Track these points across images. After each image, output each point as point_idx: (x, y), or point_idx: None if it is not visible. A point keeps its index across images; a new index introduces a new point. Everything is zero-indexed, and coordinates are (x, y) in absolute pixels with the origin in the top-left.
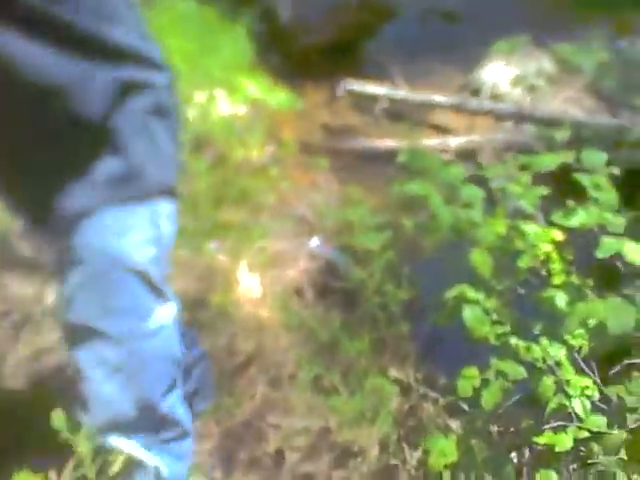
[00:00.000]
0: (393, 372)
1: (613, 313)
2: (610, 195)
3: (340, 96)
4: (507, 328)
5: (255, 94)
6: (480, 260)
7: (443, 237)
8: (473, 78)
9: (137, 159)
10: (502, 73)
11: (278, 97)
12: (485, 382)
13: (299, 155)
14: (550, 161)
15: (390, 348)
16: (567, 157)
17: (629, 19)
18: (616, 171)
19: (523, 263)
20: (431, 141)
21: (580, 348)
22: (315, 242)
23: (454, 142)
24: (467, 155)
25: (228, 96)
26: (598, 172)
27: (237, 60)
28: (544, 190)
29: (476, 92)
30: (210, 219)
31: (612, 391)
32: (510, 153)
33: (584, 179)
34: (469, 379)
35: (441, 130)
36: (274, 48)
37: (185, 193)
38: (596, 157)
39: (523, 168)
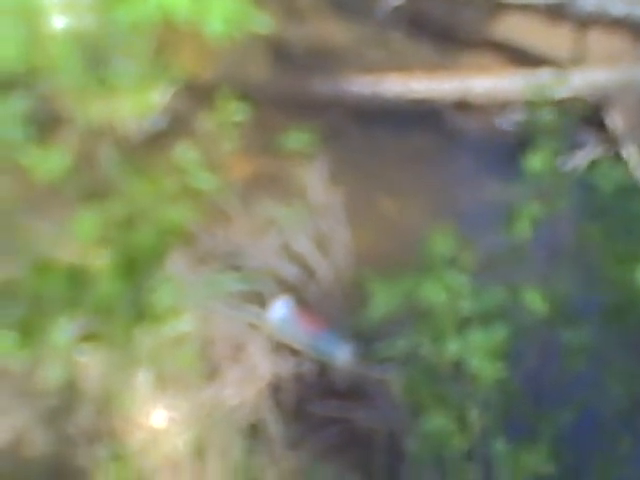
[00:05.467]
0: None
1: None
2: None
3: None
4: None
5: None
6: None
7: None
8: None
9: None
10: None
11: None
12: None
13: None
14: None
15: None
16: None
17: None
18: None
19: None
20: (500, 80)
21: None
22: (280, 311)
23: (553, 83)
24: (584, 119)
25: None
26: None
27: None
28: None
29: None
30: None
31: None
32: None
33: None
34: None
35: (520, 56)
36: None
37: None
38: None
39: None
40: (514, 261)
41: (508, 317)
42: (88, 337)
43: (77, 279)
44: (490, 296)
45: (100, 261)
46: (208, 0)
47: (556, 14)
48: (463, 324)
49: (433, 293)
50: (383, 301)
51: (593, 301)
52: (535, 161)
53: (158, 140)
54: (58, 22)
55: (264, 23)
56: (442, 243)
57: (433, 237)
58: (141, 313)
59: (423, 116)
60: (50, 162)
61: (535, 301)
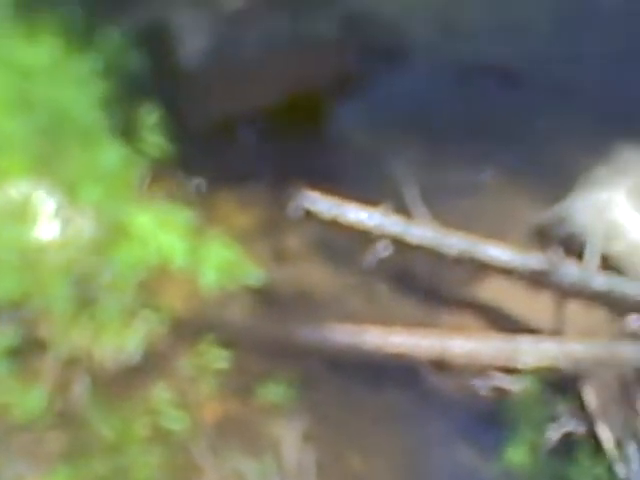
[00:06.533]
0: None
1: None
2: None
3: (292, 221)
4: None
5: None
6: None
7: None
8: (559, 214)
9: None
10: (624, 209)
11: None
12: None
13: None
14: None
15: None
16: None
17: None
18: None
19: None
20: (479, 343)
21: None
22: None
23: (531, 351)
24: (559, 389)
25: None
26: None
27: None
28: None
29: (567, 245)
30: None
31: None
32: None
33: None
34: None
35: (500, 320)
36: (171, 118)
37: None
38: None
39: None
40: None
41: None
42: None
43: None
44: None
45: None
46: (205, 250)
47: (538, 282)
48: None
49: None
50: None
51: None
52: (516, 454)
53: (134, 374)
54: (52, 255)
55: (256, 276)
56: None
57: None
58: None
59: (400, 371)
60: (28, 401)
61: None
